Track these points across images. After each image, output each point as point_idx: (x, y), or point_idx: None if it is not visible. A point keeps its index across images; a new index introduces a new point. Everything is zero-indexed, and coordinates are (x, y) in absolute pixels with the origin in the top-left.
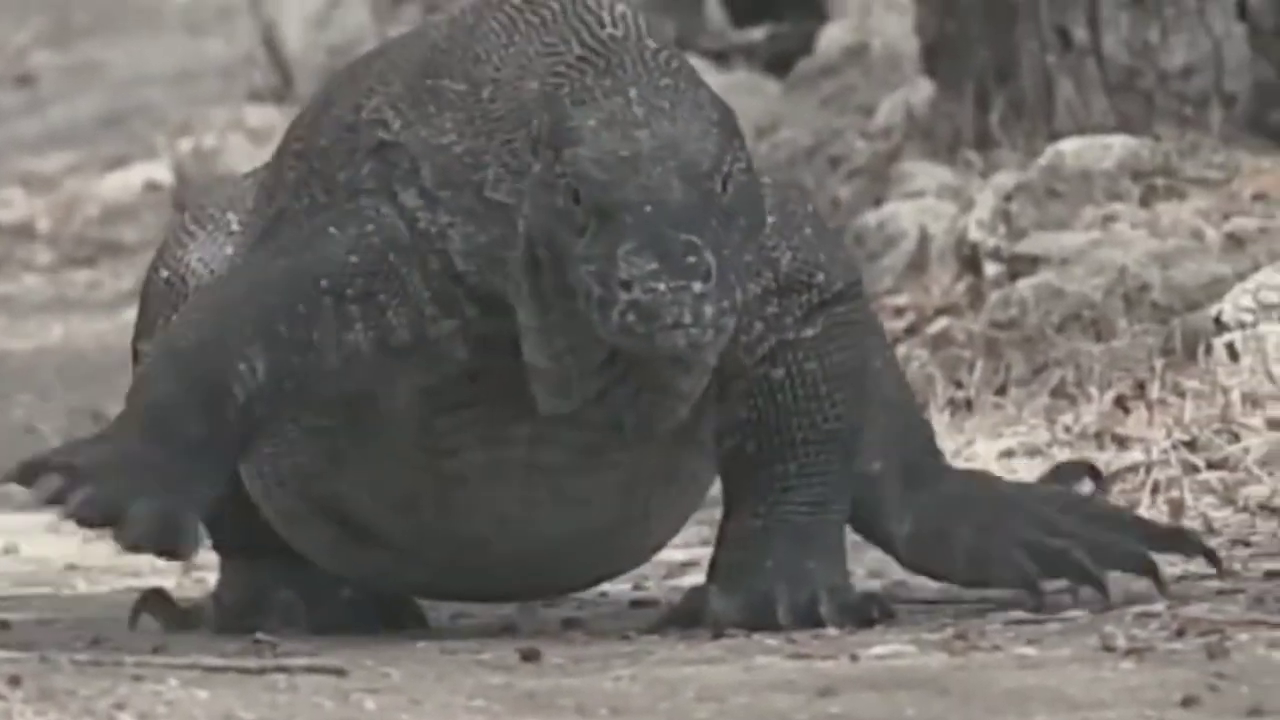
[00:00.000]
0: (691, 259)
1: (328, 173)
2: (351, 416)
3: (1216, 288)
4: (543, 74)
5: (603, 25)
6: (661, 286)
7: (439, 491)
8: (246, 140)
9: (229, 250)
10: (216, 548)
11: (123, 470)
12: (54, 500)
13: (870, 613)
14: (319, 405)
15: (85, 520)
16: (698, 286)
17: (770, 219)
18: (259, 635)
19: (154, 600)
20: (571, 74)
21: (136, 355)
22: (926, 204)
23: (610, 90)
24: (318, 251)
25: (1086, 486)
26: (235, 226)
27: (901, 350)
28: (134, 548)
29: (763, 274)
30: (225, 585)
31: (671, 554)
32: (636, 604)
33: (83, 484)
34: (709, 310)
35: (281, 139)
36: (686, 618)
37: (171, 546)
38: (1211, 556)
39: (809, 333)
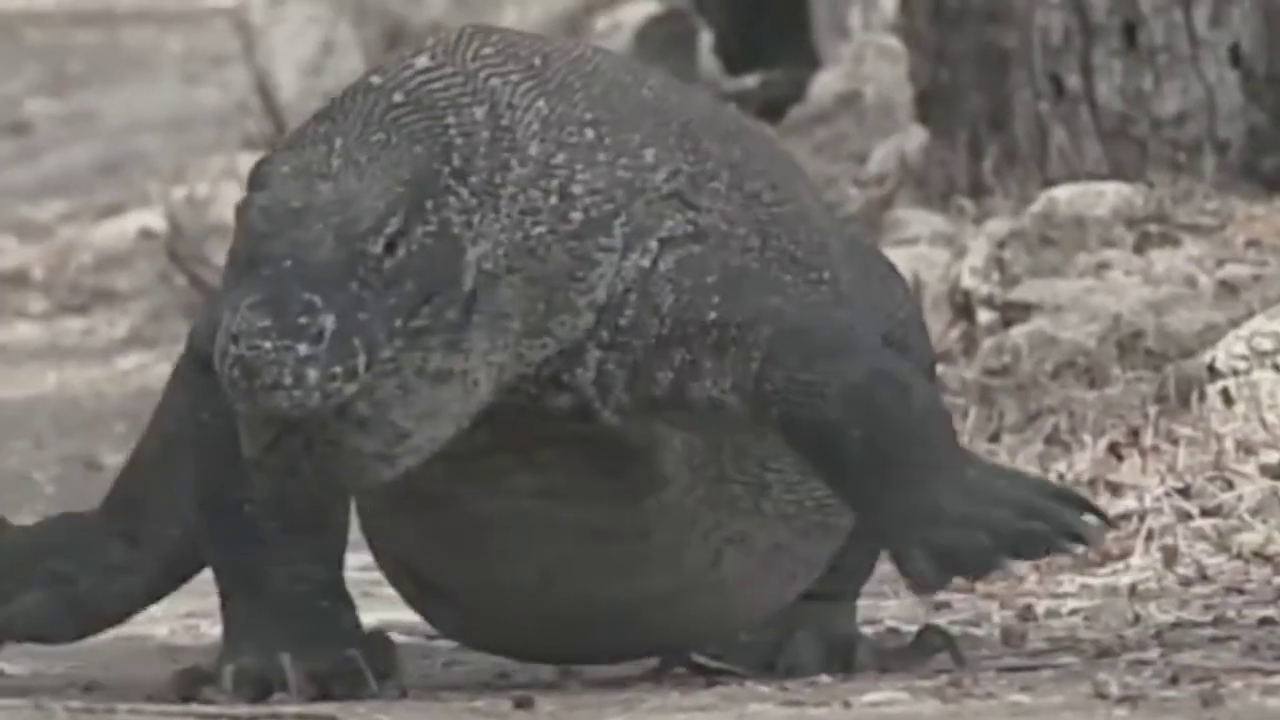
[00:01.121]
0: (303, 319)
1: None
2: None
3: (1210, 335)
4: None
5: (375, 73)
6: (267, 344)
7: (469, 537)
8: (240, 188)
9: None
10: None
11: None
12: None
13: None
14: None
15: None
16: (303, 349)
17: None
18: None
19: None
20: (318, 116)
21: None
22: (920, 251)
23: (319, 138)
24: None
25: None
26: None
27: None
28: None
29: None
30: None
31: None
32: None
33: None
34: (312, 374)
35: None
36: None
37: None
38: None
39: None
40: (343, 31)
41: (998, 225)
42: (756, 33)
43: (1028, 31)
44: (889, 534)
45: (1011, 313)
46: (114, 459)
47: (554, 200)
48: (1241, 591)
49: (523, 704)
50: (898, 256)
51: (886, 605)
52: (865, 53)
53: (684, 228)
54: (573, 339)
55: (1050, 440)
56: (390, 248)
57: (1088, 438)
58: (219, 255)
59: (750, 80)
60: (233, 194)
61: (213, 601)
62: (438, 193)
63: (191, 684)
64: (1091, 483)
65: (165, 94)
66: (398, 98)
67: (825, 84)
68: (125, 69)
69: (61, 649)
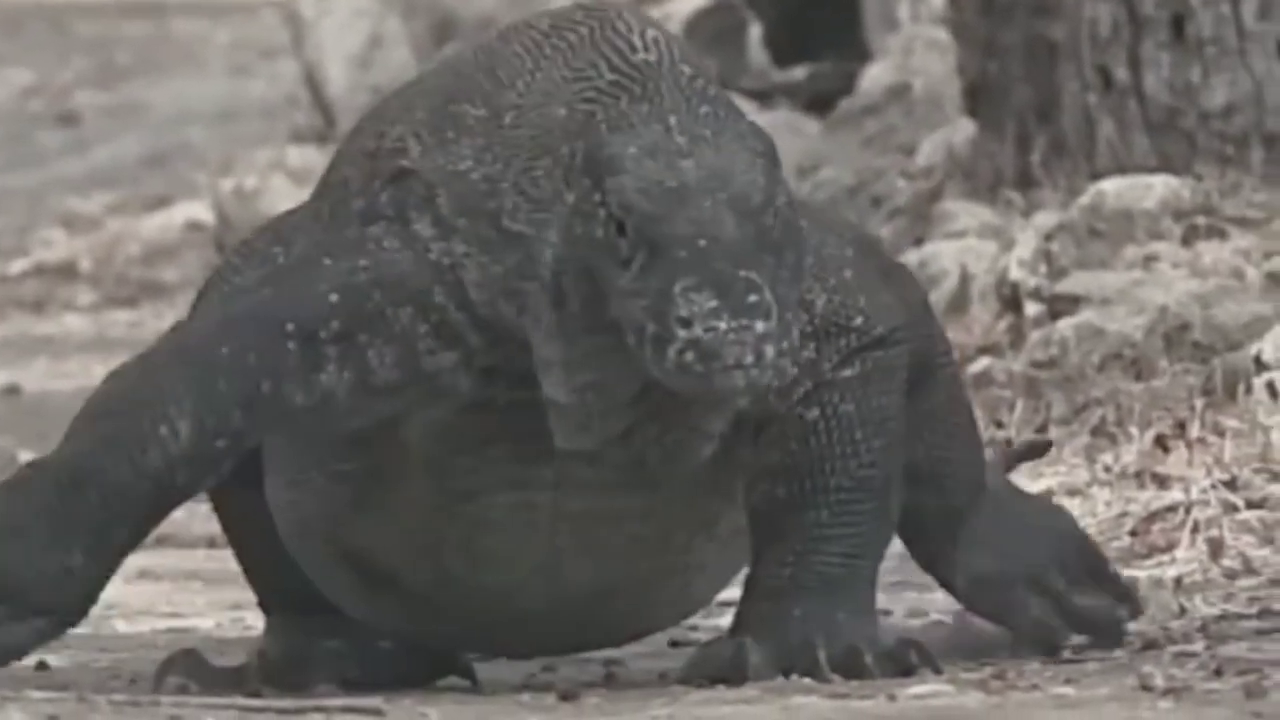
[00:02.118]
0: (753, 297)
1: (344, 199)
2: (371, 460)
3: (1257, 327)
4: (571, 100)
5: (634, 50)
6: (723, 325)
7: (462, 537)
8: (288, 181)
9: None
10: (261, 604)
11: (31, 527)
12: None
13: (910, 659)
14: (329, 448)
15: None
16: (760, 326)
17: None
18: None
19: (184, 661)
20: (604, 99)
21: None
22: (968, 244)
23: (648, 117)
24: (296, 288)
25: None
26: (281, 260)
27: None
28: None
29: (799, 317)
30: (270, 639)
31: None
32: (675, 644)
33: None
34: (770, 351)
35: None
36: (725, 669)
37: (69, 609)
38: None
39: (846, 373)
40: (391, 25)
41: (1045, 218)
42: (805, 25)
43: (1076, 24)
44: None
45: (1059, 305)
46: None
47: None
48: None
49: (568, 696)
50: (946, 249)
51: (933, 598)
52: (914, 45)
53: None
54: None
55: (1097, 432)
56: (775, 220)
57: (1134, 430)
58: None
59: (799, 72)
60: (280, 186)
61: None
62: (778, 162)
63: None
64: (1138, 475)
65: (214, 86)
66: (685, 69)
67: (874, 76)
68: (174, 60)
69: (105, 639)
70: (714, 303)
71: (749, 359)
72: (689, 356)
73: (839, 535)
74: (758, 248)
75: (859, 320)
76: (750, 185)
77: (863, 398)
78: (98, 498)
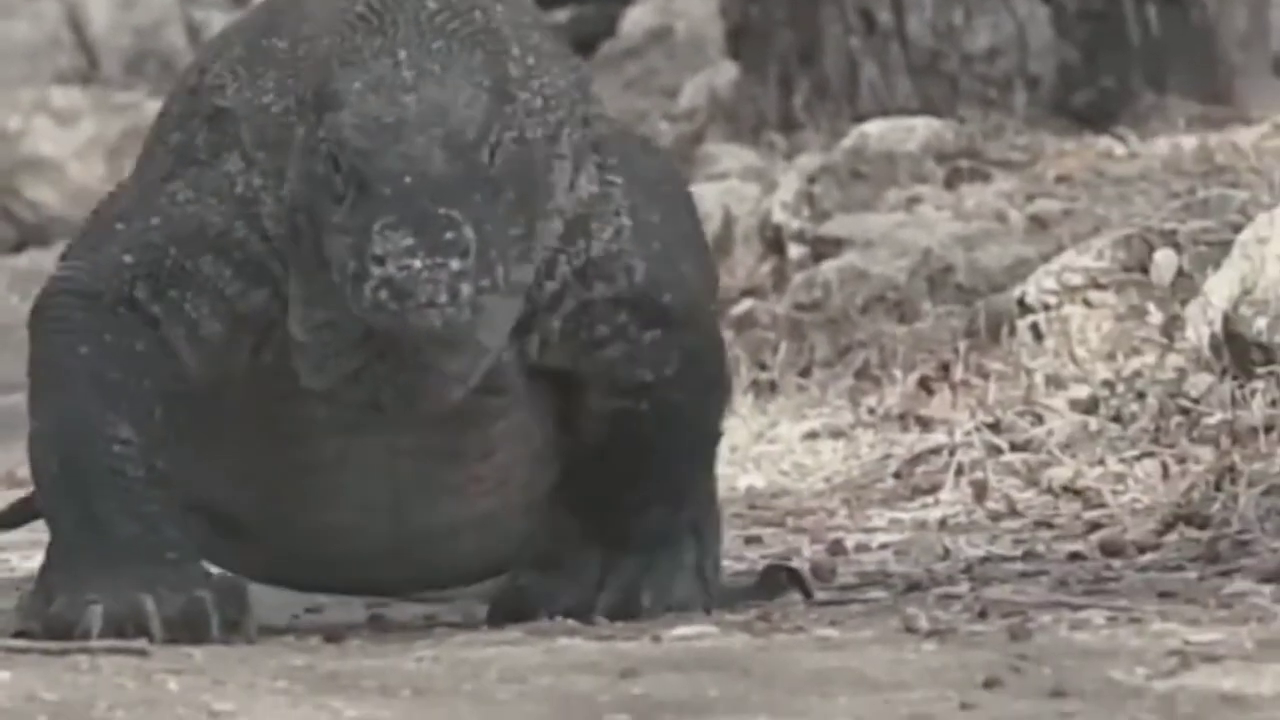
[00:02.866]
0: (450, 235)
1: (164, 138)
2: (201, 409)
3: (1020, 269)
4: (330, 30)
5: None
6: (417, 263)
7: (295, 479)
8: (51, 122)
9: None
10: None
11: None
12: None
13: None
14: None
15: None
16: (455, 264)
17: (625, 222)
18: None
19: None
20: (346, 31)
21: None
22: (730, 186)
23: (380, 50)
24: (95, 259)
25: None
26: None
27: None
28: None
29: (616, 279)
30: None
31: None
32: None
33: (81, 604)
34: (466, 289)
35: None
36: (511, 607)
37: (196, 635)
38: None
39: (667, 372)
40: None
41: (808, 160)
42: None
43: None
44: None
45: (822, 247)
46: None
47: (538, 102)
48: (1051, 526)
49: (332, 637)
50: (708, 191)
51: None
52: None
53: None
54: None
55: (860, 375)
56: (492, 156)
57: (898, 372)
58: (31, 189)
59: (561, 15)
60: (44, 127)
61: (22, 535)
62: (511, 97)
63: (49, 627)
64: (902, 417)
65: None
66: (431, 4)
67: (636, 19)
68: None
69: None
70: (410, 240)
71: (443, 297)
72: (383, 294)
73: (647, 528)
74: (466, 185)
75: (666, 298)
76: (466, 121)
77: (680, 391)
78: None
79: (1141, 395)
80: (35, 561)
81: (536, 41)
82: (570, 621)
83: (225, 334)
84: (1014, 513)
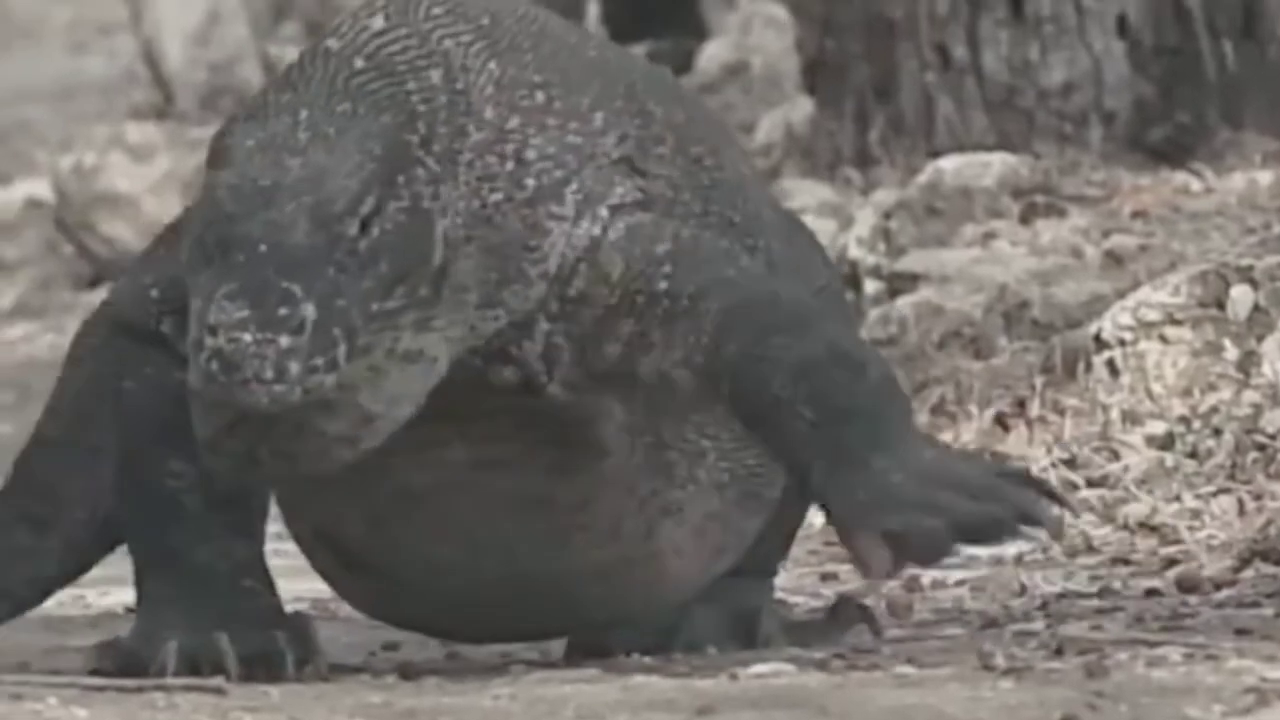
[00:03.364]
0: (284, 310)
1: None
2: None
3: (1096, 305)
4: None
5: (334, 34)
6: (246, 337)
7: (398, 509)
8: (127, 158)
9: None
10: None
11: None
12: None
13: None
14: None
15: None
16: (285, 341)
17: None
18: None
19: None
20: (273, 84)
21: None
22: (806, 222)
23: (283, 108)
24: (132, 291)
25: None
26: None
27: None
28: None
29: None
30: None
31: None
32: None
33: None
34: (294, 367)
35: None
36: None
37: (272, 674)
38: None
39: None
40: (229, 1)
41: (884, 196)
42: (643, 2)
43: (914, 2)
44: (840, 518)
45: (898, 283)
46: (2, 429)
47: (509, 166)
48: (1127, 562)
49: (408, 674)
50: None
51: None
52: (752, 23)
53: (633, 194)
54: (524, 310)
55: (937, 411)
56: (365, 227)
57: (974, 408)
58: (106, 224)
59: (637, 50)
60: (119, 163)
61: (97, 572)
62: (408, 165)
63: (123, 662)
64: (978, 453)
65: (52, 63)
66: (359, 63)
67: (712, 54)
68: (12, 37)
69: None
70: (244, 313)
71: (269, 374)
72: (213, 365)
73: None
74: (322, 257)
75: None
76: (340, 190)
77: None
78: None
79: (1218, 431)
80: (112, 599)
81: (536, 99)
82: (648, 659)
83: None
84: (1090, 549)
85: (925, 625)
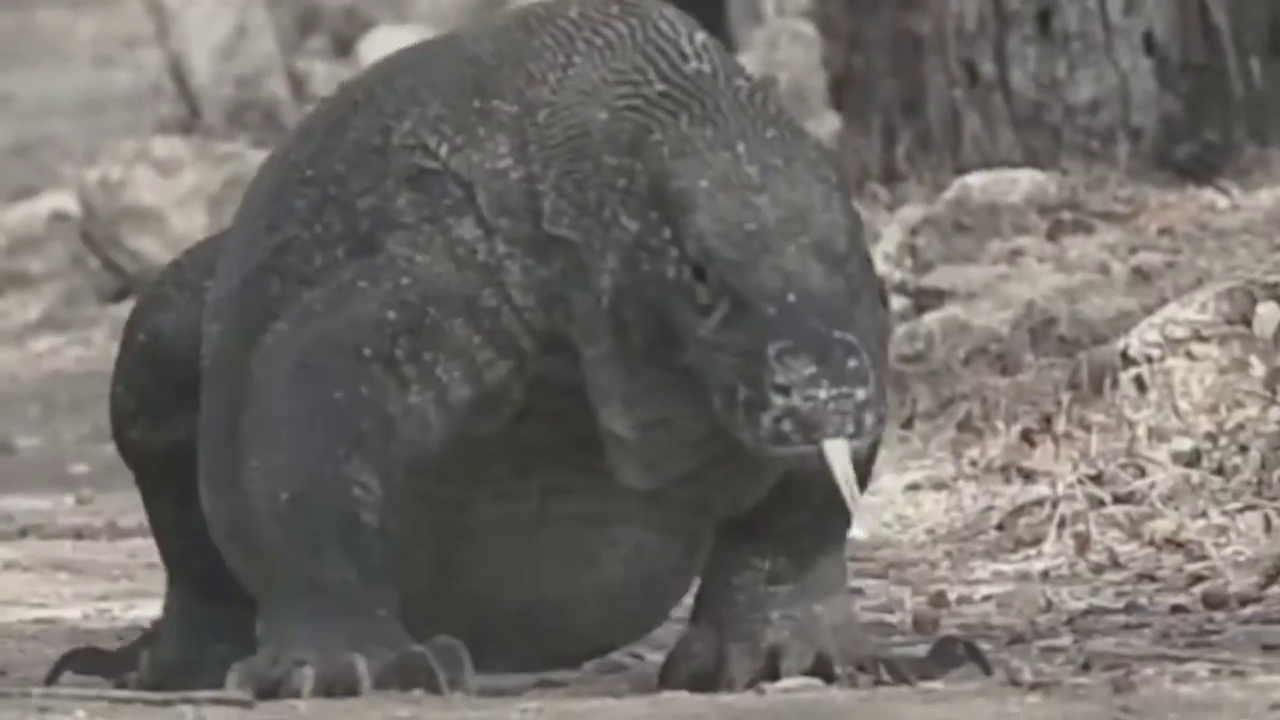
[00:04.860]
0: (853, 363)
1: (346, 200)
2: None
3: (1123, 322)
4: (613, 104)
5: (685, 59)
6: (822, 394)
7: (445, 545)
8: (153, 171)
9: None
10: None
11: (319, 649)
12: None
13: (880, 675)
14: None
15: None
16: (860, 394)
17: None
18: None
19: (84, 658)
20: (659, 114)
21: (114, 398)
22: None
23: (714, 143)
24: (352, 314)
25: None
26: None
27: None
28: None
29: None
30: (164, 640)
31: None
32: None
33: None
34: (869, 419)
35: (274, 168)
36: (705, 673)
37: (415, 683)
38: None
39: None
40: (256, 15)
41: (911, 212)
42: None
43: (942, 18)
44: None
45: (924, 299)
46: (26, 441)
47: None
48: (1153, 578)
49: (435, 691)
50: None
51: None
52: (779, 38)
53: None
54: None
55: (963, 427)
56: (856, 265)
57: (1000, 424)
58: (132, 238)
59: None
60: (145, 177)
61: (124, 585)
62: (849, 190)
63: (255, 686)
64: (1004, 469)
65: (78, 77)
66: (743, 82)
67: None
68: (38, 51)
69: None
70: (812, 369)
71: (850, 429)
72: (786, 426)
73: (812, 531)
74: (847, 302)
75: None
76: (833, 228)
77: None
78: (346, 597)
79: (1244, 448)
80: (137, 611)
81: None
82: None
83: (471, 401)
84: (1116, 565)
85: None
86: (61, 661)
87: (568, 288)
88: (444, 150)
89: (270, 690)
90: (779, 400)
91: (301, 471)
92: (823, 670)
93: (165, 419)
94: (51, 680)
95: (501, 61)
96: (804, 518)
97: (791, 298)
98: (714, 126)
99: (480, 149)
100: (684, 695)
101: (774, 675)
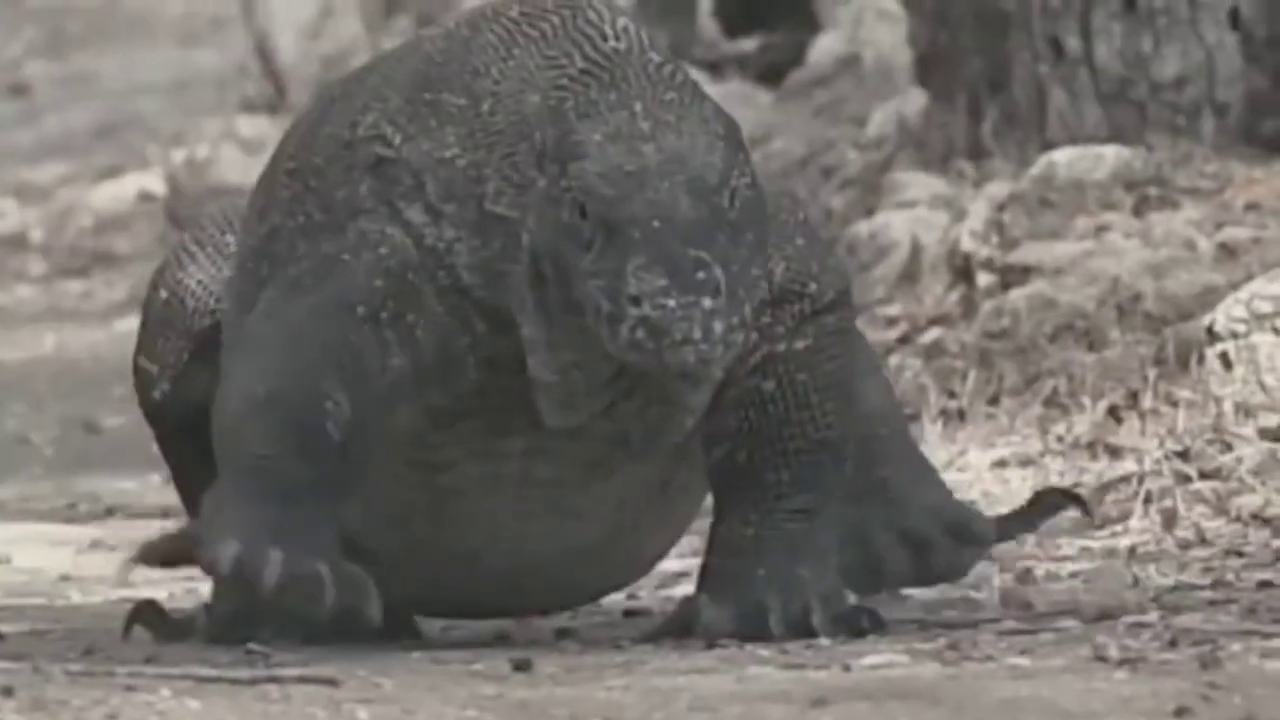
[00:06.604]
0: (701, 275)
1: (324, 190)
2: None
3: (1209, 297)
4: (545, 87)
5: (605, 39)
6: (671, 303)
7: (432, 505)
8: (239, 151)
9: (227, 273)
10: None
11: (245, 530)
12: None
13: (861, 623)
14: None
15: (232, 577)
16: (708, 302)
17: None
18: (251, 646)
19: (147, 611)
20: (575, 87)
21: (138, 370)
22: (919, 214)
23: (615, 104)
24: (341, 280)
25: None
26: (233, 249)
27: (894, 360)
28: (277, 602)
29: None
30: (218, 595)
31: (664, 564)
32: (630, 613)
33: (222, 544)
34: (719, 326)
35: (273, 155)
36: (679, 628)
37: (307, 601)
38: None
39: (800, 345)
40: None
41: (997, 188)
42: None
43: None
44: None
45: (1011, 275)
46: (112, 421)
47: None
48: (1240, 554)
49: (522, 666)
50: (897, 220)
51: None
52: (864, 16)
53: None
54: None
55: (1049, 403)
56: (732, 200)
57: (1087, 400)
58: None
59: (749, 44)
60: (231, 156)
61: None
62: (741, 144)
63: (182, 548)
64: (1091, 445)
65: (164, 56)
66: (655, 56)
67: (824, 47)
68: (124, 31)
69: (60, 610)
70: (663, 281)
71: (697, 334)
72: (640, 333)
73: (799, 494)
74: (711, 227)
75: (812, 287)
76: (706, 167)
77: (816, 364)
78: (293, 494)
79: None
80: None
81: None
82: (761, 651)
83: (433, 368)
84: (1203, 541)
85: (1039, 617)
86: (132, 614)
87: (506, 262)
88: (398, 139)
89: (185, 561)
90: (633, 310)
91: (284, 375)
92: (803, 624)
93: (185, 380)
94: (125, 633)
95: (450, 58)
96: (788, 475)
97: (655, 224)
98: (617, 90)
99: (430, 138)
100: (771, 672)
101: (755, 632)
